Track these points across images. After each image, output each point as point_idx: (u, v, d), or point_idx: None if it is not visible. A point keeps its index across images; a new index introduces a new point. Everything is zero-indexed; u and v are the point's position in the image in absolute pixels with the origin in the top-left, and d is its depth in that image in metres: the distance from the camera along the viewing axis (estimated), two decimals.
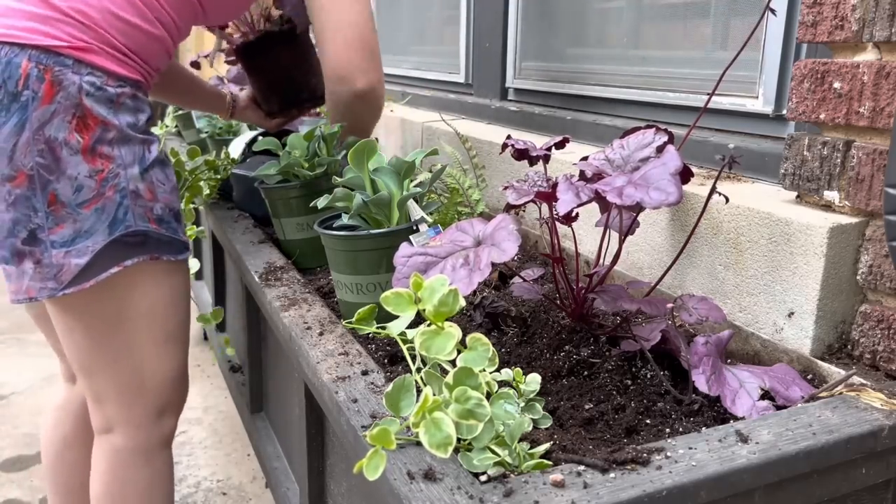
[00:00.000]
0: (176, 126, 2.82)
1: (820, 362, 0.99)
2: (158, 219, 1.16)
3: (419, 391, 0.73)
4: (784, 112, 1.21)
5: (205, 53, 3.32)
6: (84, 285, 1.10)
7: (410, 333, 0.79)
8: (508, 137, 1.22)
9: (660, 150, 1.03)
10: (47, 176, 1.06)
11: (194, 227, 1.78)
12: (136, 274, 1.16)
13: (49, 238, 1.08)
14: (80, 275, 1.10)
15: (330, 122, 1.42)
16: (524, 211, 1.57)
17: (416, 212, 1.16)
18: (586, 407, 0.94)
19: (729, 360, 1.06)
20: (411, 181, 1.20)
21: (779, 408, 0.88)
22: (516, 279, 1.20)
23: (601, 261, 1.15)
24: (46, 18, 1.07)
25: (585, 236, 1.41)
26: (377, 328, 0.87)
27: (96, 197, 1.09)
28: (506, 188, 1.07)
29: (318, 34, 1.33)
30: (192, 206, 1.75)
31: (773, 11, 1.14)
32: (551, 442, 0.81)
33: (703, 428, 0.84)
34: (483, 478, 0.70)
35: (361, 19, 1.30)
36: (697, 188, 1.16)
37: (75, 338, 1.19)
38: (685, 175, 1.11)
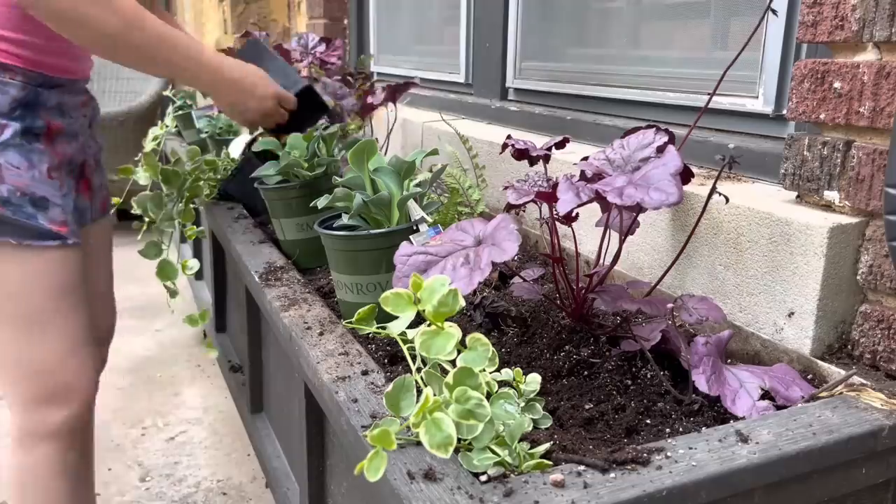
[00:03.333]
0: (176, 126, 2.82)
1: (820, 362, 0.99)
2: (4, 201, 1.16)
3: (419, 391, 0.73)
4: (784, 112, 1.21)
5: None
6: None
7: (410, 333, 0.79)
8: (509, 137, 1.22)
9: (660, 150, 1.03)
10: None
11: (194, 227, 1.78)
12: None
13: None
14: None
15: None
16: (524, 211, 1.57)
17: (416, 212, 1.16)
18: (586, 407, 0.94)
19: (729, 360, 1.06)
20: (411, 181, 1.20)
21: (779, 408, 0.88)
22: (516, 279, 1.20)
23: (601, 261, 1.15)
24: None
25: (585, 236, 1.40)
26: (377, 328, 0.87)
27: None
28: (506, 188, 1.07)
29: None
30: (192, 206, 1.75)
31: (774, 12, 1.14)
32: (551, 442, 0.80)
33: (703, 428, 0.84)
34: (483, 478, 0.70)
35: None
36: (697, 188, 1.16)
37: None
38: (685, 175, 1.11)
